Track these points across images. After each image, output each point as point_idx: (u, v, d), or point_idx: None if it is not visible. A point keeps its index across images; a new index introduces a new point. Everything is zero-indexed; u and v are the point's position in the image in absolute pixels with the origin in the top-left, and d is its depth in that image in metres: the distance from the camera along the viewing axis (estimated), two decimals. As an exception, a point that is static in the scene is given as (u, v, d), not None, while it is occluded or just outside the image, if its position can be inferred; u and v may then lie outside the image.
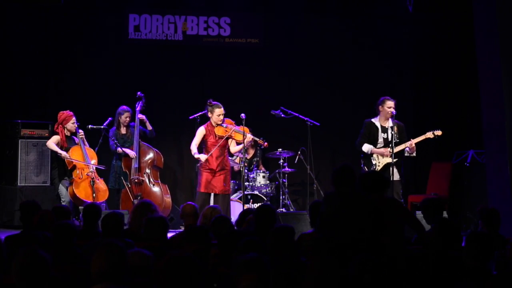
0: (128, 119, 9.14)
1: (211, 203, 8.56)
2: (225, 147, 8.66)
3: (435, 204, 5.97)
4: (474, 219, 9.58)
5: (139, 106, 9.17)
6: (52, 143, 8.76)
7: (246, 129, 8.57)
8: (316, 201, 6.00)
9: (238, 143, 8.93)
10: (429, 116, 10.93)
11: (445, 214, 7.81)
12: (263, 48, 10.92)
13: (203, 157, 8.53)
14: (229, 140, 8.78)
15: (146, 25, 10.70)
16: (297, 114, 9.55)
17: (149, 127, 9.23)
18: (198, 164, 8.67)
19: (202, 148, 8.75)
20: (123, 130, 9.20)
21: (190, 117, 9.11)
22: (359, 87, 10.97)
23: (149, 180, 9.12)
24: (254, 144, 10.21)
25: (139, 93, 9.20)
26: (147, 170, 9.14)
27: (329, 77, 10.99)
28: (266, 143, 8.68)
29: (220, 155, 8.58)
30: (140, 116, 9.14)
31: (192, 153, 8.64)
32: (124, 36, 10.68)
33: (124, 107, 9.20)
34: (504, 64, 7.84)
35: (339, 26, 11.02)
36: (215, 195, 8.63)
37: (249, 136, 8.62)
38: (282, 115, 9.53)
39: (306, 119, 9.54)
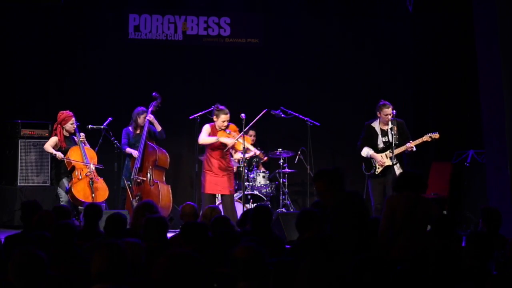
0: (144, 120, 9.19)
1: (218, 203, 8.58)
2: (227, 150, 8.60)
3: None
4: (474, 219, 9.58)
5: (152, 107, 9.19)
6: (48, 145, 8.76)
7: (248, 138, 8.58)
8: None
9: (239, 151, 8.78)
10: (429, 116, 10.94)
11: (445, 214, 7.82)
12: (263, 48, 10.92)
13: (230, 141, 8.41)
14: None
15: (146, 25, 10.70)
16: (297, 114, 9.55)
17: (158, 128, 9.23)
18: (203, 164, 8.63)
19: (204, 148, 8.73)
20: (136, 130, 9.25)
21: (190, 117, 9.11)
22: (359, 87, 10.97)
23: (150, 180, 9.11)
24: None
25: (154, 93, 9.22)
26: (149, 170, 9.13)
27: (329, 77, 10.99)
28: (266, 158, 8.67)
29: (222, 156, 8.54)
30: (149, 116, 9.15)
31: (214, 141, 8.43)
32: (124, 36, 10.68)
33: (142, 108, 9.24)
34: (504, 64, 7.84)
35: (339, 26, 11.02)
36: (222, 195, 8.60)
37: (252, 150, 8.57)
38: (282, 115, 9.53)
39: (306, 119, 9.54)
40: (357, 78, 10.99)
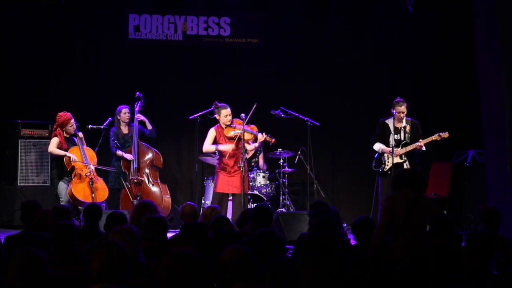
0: (127, 115, 9.15)
1: (229, 202, 8.60)
2: (238, 146, 8.57)
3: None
4: (474, 219, 9.58)
5: (137, 107, 9.17)
6: (54, 148, 8.69)
7: (255, 127, 8.56)
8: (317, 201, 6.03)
9: (249, 142, 8.71)
10: (429, 116, 10.94)
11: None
12: (263, 48, 10.92)
13: (228, 146, 8.44)
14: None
15: (146, 25, 10.70)
16: (297, 114, 9.54)
17: (149, 127, 9.23)
18: (216, 163, 8.64)
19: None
20: (124, 130, 9.21)
21: (190, 117, 9.11)
22: (359, 87, 10.98)
23: (148, 180, 9.12)
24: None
25: (137, 93, 9.20)
26: (146, 170, 9.13)
27: (329, 77, 10.99)
28: (273, 140, 8.56)
29: (233, 155, 8.53)
30: (138, 116, 9.14)
31: (214, 150, 8.56)
32: (124, 36, 10.68)
33: (122, 105, 9.22)
34: (504, 64, 7.83)
35: (339, 26, 11.02)
36: (233, 194, 8.56)
37: (261, 136, 8.49)
38: (282, 115, 9.53)
39: (306, 119, 9.54)
40: (357, 78, 10.99)
